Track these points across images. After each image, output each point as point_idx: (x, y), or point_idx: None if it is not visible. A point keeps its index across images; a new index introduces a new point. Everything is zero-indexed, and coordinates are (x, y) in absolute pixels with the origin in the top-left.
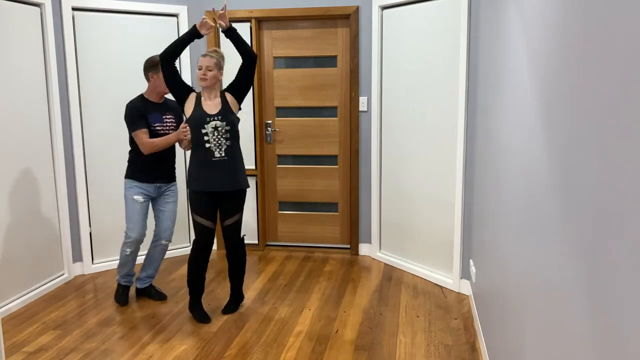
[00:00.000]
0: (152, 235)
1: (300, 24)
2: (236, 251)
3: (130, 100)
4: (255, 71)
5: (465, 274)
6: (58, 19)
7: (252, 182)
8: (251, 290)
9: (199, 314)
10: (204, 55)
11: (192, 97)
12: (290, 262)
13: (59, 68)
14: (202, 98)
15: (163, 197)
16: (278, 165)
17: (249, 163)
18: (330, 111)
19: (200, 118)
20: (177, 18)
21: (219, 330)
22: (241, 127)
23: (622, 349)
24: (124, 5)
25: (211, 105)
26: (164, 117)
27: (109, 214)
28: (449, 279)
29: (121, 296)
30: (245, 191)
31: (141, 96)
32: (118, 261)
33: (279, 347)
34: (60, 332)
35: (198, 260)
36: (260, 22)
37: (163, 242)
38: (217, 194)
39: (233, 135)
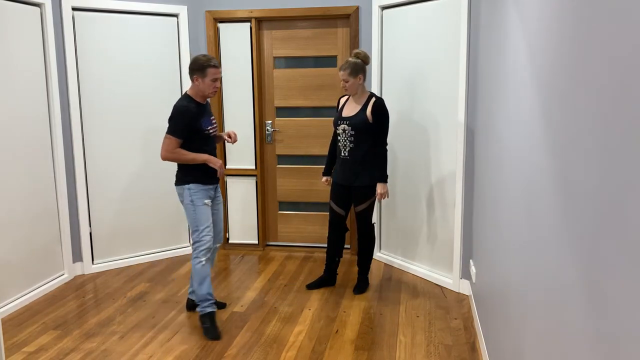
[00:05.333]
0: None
1: (300, 24)
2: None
3: (183, 104)
4: (255, 71)
5: (465, 274)
6: (58, 19)
7: (252, 182)
8: (251, 290)
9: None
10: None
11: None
12: (290, 262)
13: (59, 68)
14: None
15: (215, 199)
16: (278, 165)
17: (249, 163)
18: (330, 111)
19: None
20: (177, 18)
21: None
22: (241, 127)
23: (622, 349)
24: (124, 5)
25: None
26: (212, 119)
27: (109, 213)
28: (449, 279)
29: (214, 329)
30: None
31: (190, 98)
32: (196, 282)
33: (279, 347)
34: (60, 332)
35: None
36: (260, 22)
37: (217, 245)
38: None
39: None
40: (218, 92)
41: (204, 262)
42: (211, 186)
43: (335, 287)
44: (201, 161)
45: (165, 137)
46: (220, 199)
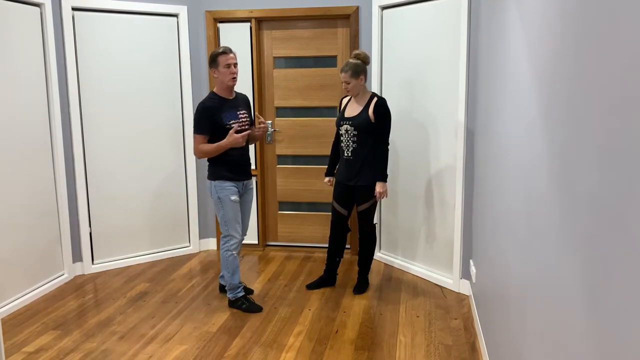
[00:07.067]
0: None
1: (300, 24)
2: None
3: (202, 100)
4: (255, 71)
5: (465, 274)
6: (58, 19)
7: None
8: None
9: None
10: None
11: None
12: (290, 262)
13: (59, 68)
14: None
15: (246, 194)
16: (278, 165)
17: None
18: (330, 111)
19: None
20: (177, 18)
21: (219, 330)
22: None
23: (622, 349)
24: (124, 5)
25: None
26: (238, 113)
27: (109, 214)
28: (449, 279)
29: (254, 304)
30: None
31: (213, 94)
32: (228, 272)
33: (279, 347)
34: (60, 332)
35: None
36: (260, 22)
37: (243, 237)
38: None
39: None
40: None
41: (234, 255)
42: (239, 182)
43: (335, 287)
44: (225, 147)
45: (193, 137)
46: (252, 193)
